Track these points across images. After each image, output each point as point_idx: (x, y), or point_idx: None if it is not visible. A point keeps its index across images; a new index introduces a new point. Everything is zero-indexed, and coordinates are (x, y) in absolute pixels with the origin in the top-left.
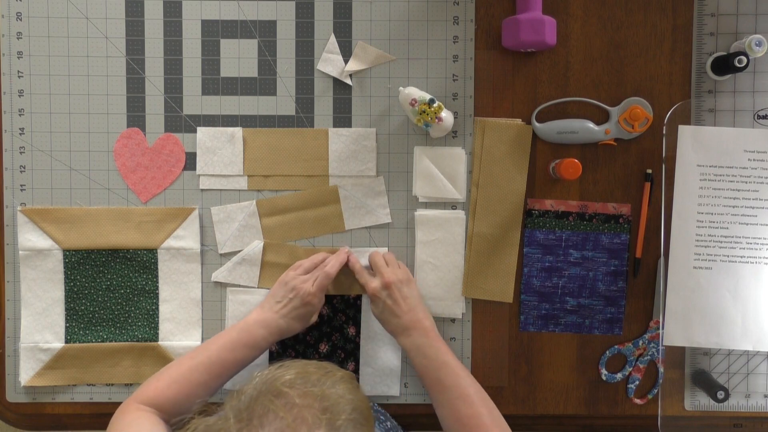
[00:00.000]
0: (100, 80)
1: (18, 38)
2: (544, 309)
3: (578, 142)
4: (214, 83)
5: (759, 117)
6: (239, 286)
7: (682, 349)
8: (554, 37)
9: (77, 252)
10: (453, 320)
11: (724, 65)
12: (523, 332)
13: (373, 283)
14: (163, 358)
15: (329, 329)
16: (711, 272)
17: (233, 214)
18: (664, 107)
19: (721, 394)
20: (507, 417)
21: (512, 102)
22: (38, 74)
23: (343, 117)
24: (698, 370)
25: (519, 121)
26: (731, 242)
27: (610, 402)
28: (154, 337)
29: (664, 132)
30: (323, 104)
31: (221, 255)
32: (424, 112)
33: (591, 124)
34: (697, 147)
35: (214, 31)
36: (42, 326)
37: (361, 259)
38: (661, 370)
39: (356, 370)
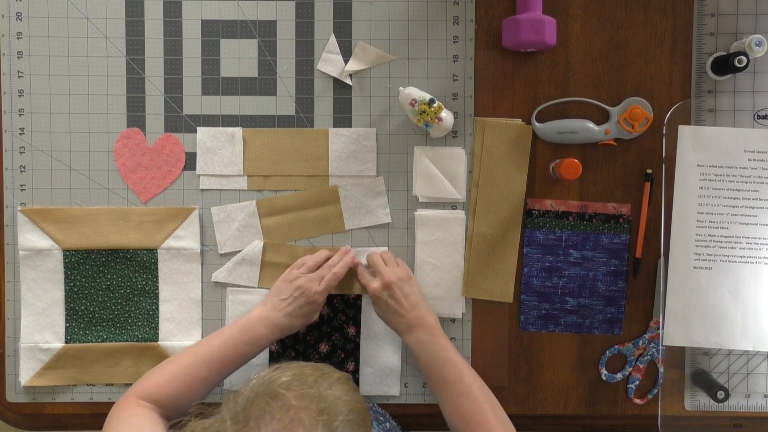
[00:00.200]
0: (100, 80)
1: (18, 38)
2: (544, 309)
3: (578, 142)
4: (214, 83)
5: (759, 117)
6: (239, 286)
7: (682, 349)
8: (554, 37)
9: (77, 252)
10: (453, 320)
11: (724, 65)
12: (523, 332)
13: (374, 284)
14: (163, 358)
15: (329, 329)
16: (711, 272)
17: (233, 214)
18: (664, 107)
19: (721, 394)
20: None
21: (512, 102)
22: (38, 74)
23: (343, 117)
24: (698, 370)
25: (519, 121)
26: (731, 242)
27: (610, 402)
28: (154, 337)
29: (664, 132)
30: (323, 104)
31: (221, 255)
32: (424, 112)
33: (591, 124)
34: (697, 147)
35: (214, 31)
36: (42, 326)
37: (360, 259)
38: (661, 370)
39: (356, 370)
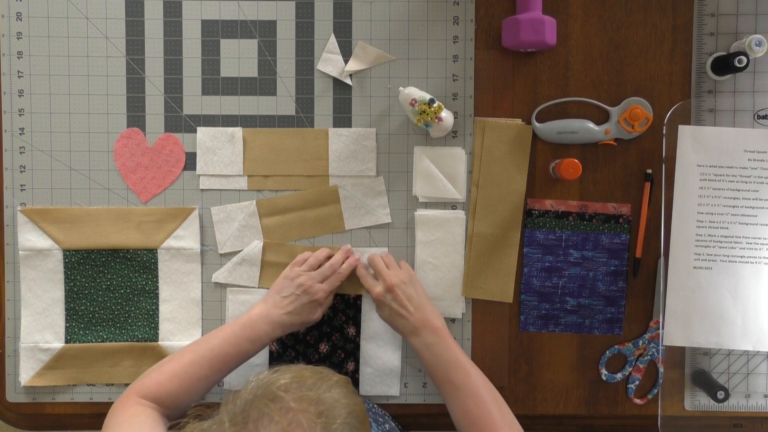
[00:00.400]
0: (100, 80)
1: (18, 38)
2: (544, 309)
3: (578, 142)
4: (214, 83)
5: (759, 117)
6: (239, 286)
7: (682, 349)
8: (554, 37)
9: (77, 252)
10: (453, 320)
11: (724, 65)
12: (523, 332)
13: (377, 288)
14: (163, 358)
15: (329, 329)
16: (711, 272)
17: (233, 214)
18: (664, 107)
19: (721, 394)
20: None
21: (512, 102)
22: (38, 74)
23: (343, 117)
24: (698, 370)
25: (519, 121)
26: (731, 242)
27: (610, 402)
28: (154, 337)
29: (664, 132)
30: (323, 104)
31: (221, 255)
32: (424, 112)
33: (591, 124)
34: (697, 147)
35: (214, 31)
36: (42, 326)
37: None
38: (661, 370)
39: (356, 370)
